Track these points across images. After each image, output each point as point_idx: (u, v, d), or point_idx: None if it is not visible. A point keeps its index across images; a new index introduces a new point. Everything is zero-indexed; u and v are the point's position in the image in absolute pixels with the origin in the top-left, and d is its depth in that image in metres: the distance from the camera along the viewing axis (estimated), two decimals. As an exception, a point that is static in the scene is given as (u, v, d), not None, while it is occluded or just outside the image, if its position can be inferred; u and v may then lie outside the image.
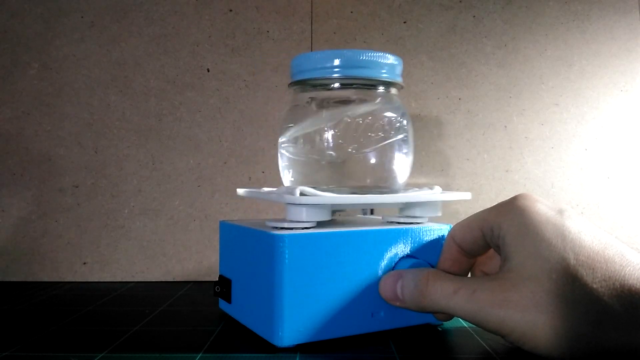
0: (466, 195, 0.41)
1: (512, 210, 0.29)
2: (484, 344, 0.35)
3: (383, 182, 0.40)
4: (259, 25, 0.59)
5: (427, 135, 0.59)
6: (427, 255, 0.37)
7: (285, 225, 0.35)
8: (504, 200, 0.32)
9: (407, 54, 0.59)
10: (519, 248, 0.27)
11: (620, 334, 0.24)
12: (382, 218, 0.41)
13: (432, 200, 0.40)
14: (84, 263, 0.57)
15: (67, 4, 0.58)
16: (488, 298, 0.27)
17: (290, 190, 0.35)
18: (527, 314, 0.26)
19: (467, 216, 0.34)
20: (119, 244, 0.57)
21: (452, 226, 0.36)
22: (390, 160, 0.40)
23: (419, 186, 0.42)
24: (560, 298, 0.25)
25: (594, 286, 0.25)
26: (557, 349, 0.25)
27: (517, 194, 0.32)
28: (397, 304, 0.34)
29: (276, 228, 0.35)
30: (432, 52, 0.60)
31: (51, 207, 0.57)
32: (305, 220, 0.35)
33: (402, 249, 0.36)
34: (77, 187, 0.58)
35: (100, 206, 0.58)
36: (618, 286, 0.24)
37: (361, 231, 0.35)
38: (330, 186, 0.39)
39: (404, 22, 0.60)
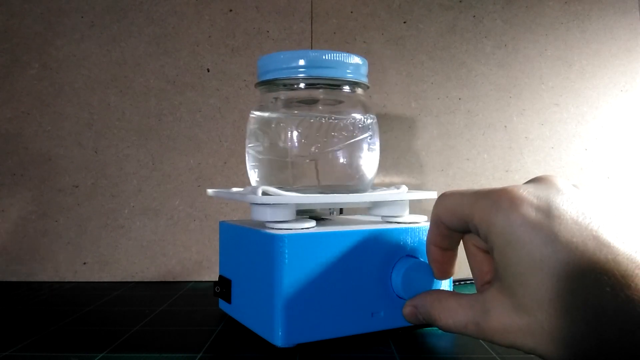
0: (432, 195, 0.41)
1: (497, 216, 0.27)
2: (484, 344, 0.35)
3: (349, 182, 0.40)
4: (259, 25, 0.59)
5: (427, 135, 0.59)
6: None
7: (285, 225, 0.35)
8: (489, 192, 0.28)
9: (407, 54, 0.59)
10: (508, 269, 0.26)
11: (621, 355, 0.23)
12: (382, 218, 0.41)
13: (398, 199, 0.39)
14: (84, 263, 0.57)
15: (67, 4, 0.58)
16: (491, 329, 0.27)
17: (254, 190, 0.35)
18: (529, 340, 0.25)
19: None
20: (119, 244, 0.57)
21: (434, 205, 0.32)
22: (355, 160, 0.40)
23: (397, 185, 0.42)
24: (555, 327, 0.24)
25: (588, 309, 0.23)
26: None
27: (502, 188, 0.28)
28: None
29: (276, 228, 0.35)
30: (432, 52, 0.60)
31: (51, 207, 0.57)
32: (269, 220, 0.35)
33: (402, 248, 0.36)
34: (77, 187, 0.58)
35: (100, 206, 0.58)
36: (612, 301, 0.23)
37: (361, 231, 0.35)
38: (297, 186, 0.39)
39: (404, 22, 0.60)
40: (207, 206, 0.58)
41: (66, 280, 0.57)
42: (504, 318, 0.26)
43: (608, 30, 0.61)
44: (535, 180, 0.29)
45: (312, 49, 0.59)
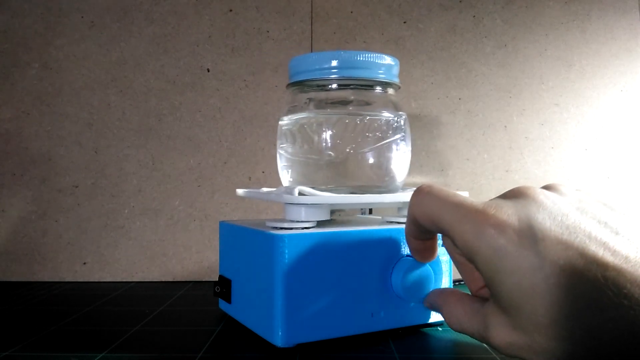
0: (464, 194, 0.40)
1: (480, 244, 0.26)
2: (484, 344, 0.35)
3: (381, 182, 0.40)
4: (259, 25, 0.59)
5: (427, 135, 0.59)
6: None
7: (285, 225, 0.35)
8: (469, 212, 0.27)
9: (407, 54, 0.59)
10: (499, 295, 0.26)
11: None
12: (382, 218, 0.41)
13: None
14: (84, 263, 0.57)
15: (67, 4, 0.58)
16: (494, 342, 0.27)
17: (289, 190, 0.35)
18: (531, 355, 0.25)
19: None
20: (119, 244, 0.57)
21: (410, 201, 0.31)
22: (388, 160, 0.40)
23: (410, 186, 0.43)
24: (555, 347, 0.24)
25: (586, 331, 0.23)
26: None
27: (486, 207, 0.26)
28: None
29: (276, 228, 0.35)
30: (432, 52, 0.60)
31: (51, 207, 0.57)
32: (304, 220, 0.35)
33: (402, 249, 0.36)
34: (77, 187, 0.58)
35: (100, 206, 0.58)
36: (607, 321, 0.23)
37: (361, 231, 0.35)
38: (329, 186, 0.39)
39: (404, 22, 0.60)
40: (207, 206, 0.58)
41: (66, 280, 0.57)
42: (504, 335, 0.26)
43: (608, 30, 0.61)
44: (513, 195, 0.27)
45: (312, 49, 0.59)
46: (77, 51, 0.58)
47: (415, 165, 0.59)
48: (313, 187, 0.37)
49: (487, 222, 0.26)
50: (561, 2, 0.61)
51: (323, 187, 0.38)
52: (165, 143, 0.58)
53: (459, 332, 0.30)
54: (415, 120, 0.59)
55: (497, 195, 0.29)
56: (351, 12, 0.59)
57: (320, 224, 0.38)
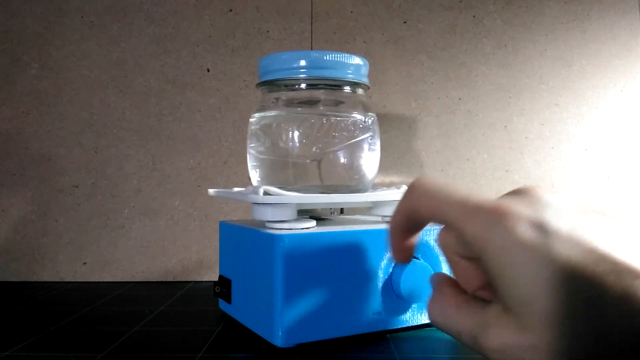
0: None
1: (494, 237, 0.25)
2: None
3: (350, 182, 0.40)
4: (259, 25, 0.59)
5: (427, 135, 0.59)
6: (426, 254, 0.37)
7: (285, 225, 0.35)
8: (481, 207, 0.27)
9: (407, 54, 0.59)
10: (510, 291, 0.25)
11: None
12: (382, 218, 0.41)
13: (398, 199, 0.39)
14: (84, 263, 0.57)
15: (67, 4, 0.58)
16: (488, 345, 0.27)
17: (255, 190, 0.36)
18: (532, 356, 0.25)
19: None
20: (119, 244, 0.57)
21: (406, 195, 0.29)
22: (356, 160, 0.40)
23: (397, 185, 0.43)
24: (562, 346, 0.24)
25: (595, 329, 0.23)
26: None
27: (497, 202, 0.26)
28: None
29: (276, 228, 0.35)
30: (432, 52, 0.60)
31: (51, 207, 0.57)
32: (270, 219, 0.35)
33: (402, 249, 0.36)
34: (77, 187, 0.58)
35: (100, 206, 0.58)
36: (617, 320, 0.23)
37: (361, 231, 0.35)
38: (297, 186, 0.39)
39: (404, 22, 0.60)
40: (207, 206, 0.58)
41: (66, 280, 0.57)
42: (505, 337, 0.26)
43: (608, 30, 0.61)
44: (518, 194, 0.27)
45: (312, 48, 0.59)
46: (77, 51, 0.58)
47: (415, 166, 0.59)
48: (281, 187, 0.36)
49: (501, 215, 0.26)
50: (561, 2, 0.61)
51: (290, 186, 0.38)
52: (165, 143, 0.58)
53: (439, 326, 0.29)
54: (414, 121, 0.59)
55: (497, 195, 0.29)
56: (351, 12, 0.59)
57: (320, 223, 0.38)
